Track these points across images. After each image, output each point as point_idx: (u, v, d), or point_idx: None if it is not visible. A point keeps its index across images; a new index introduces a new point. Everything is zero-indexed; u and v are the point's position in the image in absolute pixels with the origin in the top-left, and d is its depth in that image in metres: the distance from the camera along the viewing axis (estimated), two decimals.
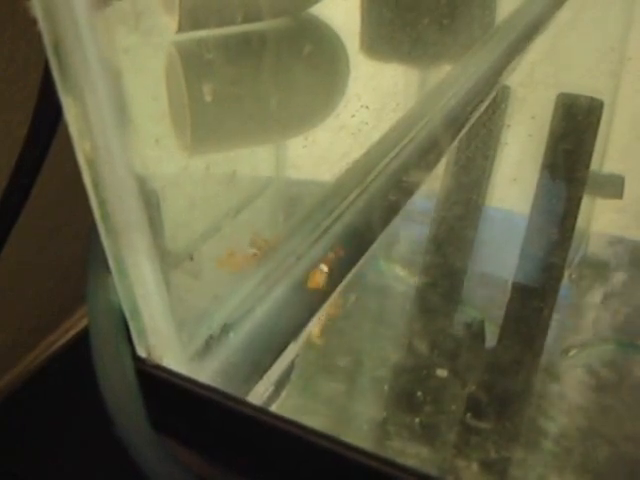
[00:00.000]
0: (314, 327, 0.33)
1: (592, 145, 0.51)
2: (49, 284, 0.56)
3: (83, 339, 0.27)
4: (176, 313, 0.27)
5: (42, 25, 0.21)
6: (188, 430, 0.28)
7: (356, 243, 0.38)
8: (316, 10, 0.44)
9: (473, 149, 0.50)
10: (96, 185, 0.23)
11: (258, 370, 0.30)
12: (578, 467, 0.31)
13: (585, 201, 0.48)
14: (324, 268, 0.34)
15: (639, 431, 0.33)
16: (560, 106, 0.54)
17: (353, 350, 0.36)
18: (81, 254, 0.28)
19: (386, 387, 0.35)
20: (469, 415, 0.32)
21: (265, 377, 0.30)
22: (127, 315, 0.26)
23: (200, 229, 0.33)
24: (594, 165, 0.51)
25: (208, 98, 0.34)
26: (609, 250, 0.45)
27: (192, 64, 0.37)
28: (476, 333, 0.37)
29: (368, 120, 0.44)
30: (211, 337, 0.30)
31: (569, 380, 0.36)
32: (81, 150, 0.23)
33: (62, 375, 0.55)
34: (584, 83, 0.56)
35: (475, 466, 0.30)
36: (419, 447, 0.31)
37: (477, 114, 0.51)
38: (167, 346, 0.27)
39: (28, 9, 0.21)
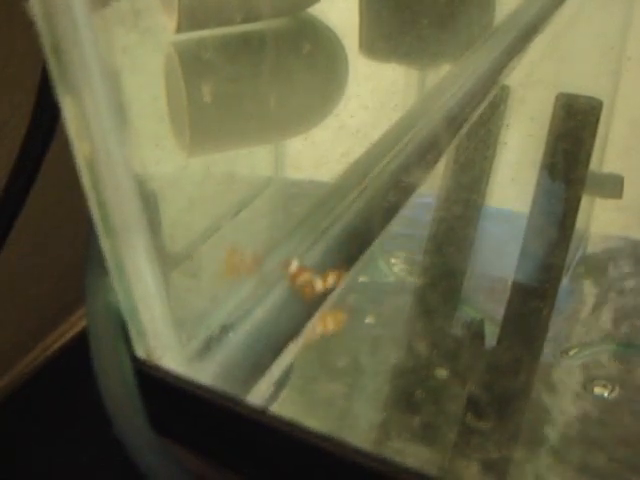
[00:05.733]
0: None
1: (591, 145, 0.51)
2: (48, 285, 0.56)
3: (82, 340, 0.27)
4: (175, 314, 0.27)
5: (40, 25, 0.21)
6: (187, 431, 0.28)
7: (355, 243, 0.38)
8: (315, 10, 0.44)
9: (472, 149, 0.50)
10: (95, 186, 0.23)
11: (257, 370, 0.30)
12: (577, 468, 0.31)
13: (584, 201, 0.48)
14: (319, 285, 0.34)
15: (638, 432, 0.33)
16: (559, 106, 0.54)
17: (352, 350, 0.36)
18: (80, 254, 0.28)
19: (386, 387, 0.35)
20: (469, 415, 0.32)
21: (264, 377, 0.30)
22: (126, 316, 0.26)
23: (199, 230, 0.33)
24: (593, 165, 0.51)
25: (207, 98, 0.34)
26: (609, 250, 0.45)
27: (191, 64, 0.37)
28: (476, 333, 0.37)
29: (367, 120, 0.44)
30: (210, 338, 0.30)
31: (568, 381, 0.36)
32: (80, 151, 0.23)
33: (61, 376, 0.55)
34: (583, 83, 0.56)
35: (475, 466, 0.30)
36: (419, 447, 0.31)
37: (476, 114, 0.50)
38: (166, 347, 0.27)
39: (26, 9, 0.21)
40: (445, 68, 0.55)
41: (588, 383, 0.35)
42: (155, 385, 0.27)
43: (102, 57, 0.21)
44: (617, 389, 0.34)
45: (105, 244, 0.25)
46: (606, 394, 0.34)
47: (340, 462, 0.24)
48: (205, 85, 0.34)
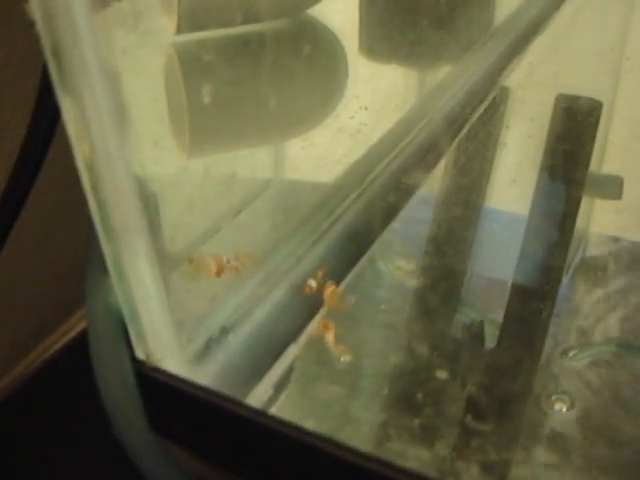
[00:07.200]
0: (329, 337, 0.33)
1: (591, 146, 0.51)
2: (48, 285, 0.56)
3: (82, 341, 0.27)
4: (175, 315, 0.27)
5: (40, 26, 0.21)
6: (187, 432, 0.28)
7: (355, 244, 0.38)
8: (315, 11, 0.44)
9: (472, 150, 0.50)
10: (95, 187, 0.23)
11: (257, 372, 0.30)
12: (577, 470, 0.31)
13: (584, 202, 0.48)
14: (312, 283, 0.34)
15: (638, 433, 0.33)
16: (559, 107, 0.54)
17: (352, 352, 0.35)
18: (80, 255, 0.28)
19: (385, 389, 0.35)
20: (469, 417, 0.32)
21: (264, 379, 0.30)
22: (126, 317, 0.26)
23: (199, 231, 0.33)
24: (593, 166, 0.51)
25: (207, 99, 0.34)
26: (608, 251, 0.45)
27: (191, 65, 0.37)
28: (475, 334, 0.37)
29: (367, 121, 0.44)
30: (210, 339, 0.30)
31: (568, 381, 0.36)
32: (80, 152, 0.23)
33: (61, 377, 0.55)
34: (583, 84, 0.56)
35: (475, 468, 0.30)
36: (418, 449, 0.31)
37: (476, 115, 0.50)
38: (166, 348, 0.27)
39: (26, 11, 0.21)
40: (445, 69, 0.55)
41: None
42: (155, 386, 0.27)
43: (102, 58, 0.21)
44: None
45: (105, 245, 0.25)
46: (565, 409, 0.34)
47: (339, 463, 0.24)
48: (205, 86, 0.34)
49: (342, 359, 0.35)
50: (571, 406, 0.33)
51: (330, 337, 0.33)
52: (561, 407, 0.34)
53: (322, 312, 0.34)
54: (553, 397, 0.34)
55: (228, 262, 0.32)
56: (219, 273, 0.31)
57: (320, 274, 0.34)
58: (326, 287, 0.34)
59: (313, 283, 0.34)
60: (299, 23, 0.45)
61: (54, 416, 0.52)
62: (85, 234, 0.26)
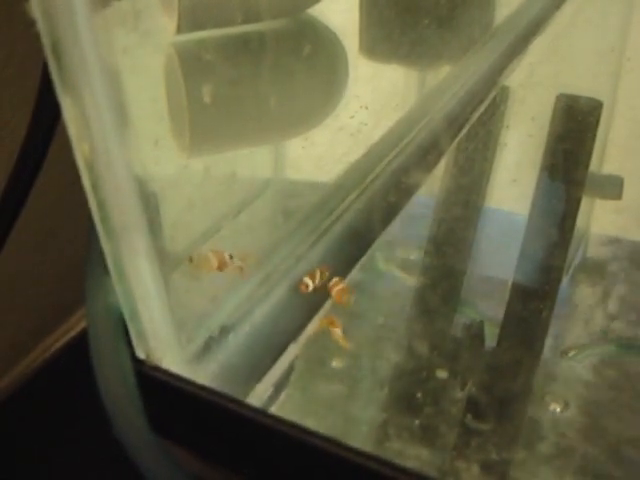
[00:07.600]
0: (337, 332, 0.33)
1: (591, 146, 0.51)
2: (48, 285, 0.56)
3: (82, 341, 0.27)
4: (175, 315, 0.27)
5: (41, 26, 0.21)
6: (187, 431, 0.28)
7: (355, 244, 0.38)
8: (315, 11, 0.44)
9: (473, 150, 0.50)
10: (95, 186, 0.23)
11: (257, 371, 0.30)
12: (578, 469, 0.31)
13: (584, 202, 0.48)
14: (308, 281, 0.34)
15: (638, 432, 0.33)
16: (559, 107, 0.54)
17: (352, 351, 0.36)
18: (80, 255, 0.28)
19: (386, 388, 0.35)
20: (469, 416, 0.32)
21: (264, 378, 0.30)
22: (126, 317, 0.26)
23: (199, 231, 0.33)
24: (593, 166, 0.51)
25: (207, 99, 0.34)
26: (608, 251, 0.45)
27: (191, 65, 0.37)
28: (475, 334, 0.37)
29: (367, 121, 0.44)
30: (210, 339, 0.30)
31: (568, 381, 0.36)
32: (80, 151, 0.23)
33: (61, 376, 0.55)
34: (583, 84, 0.56)
35: (475, 467, 0.30)
36: (419, 448, 0.31)
37: (477, 115, 0.51)
38: (166, 348, 0.27)
39: (27, 10, 0.21)
40: (445, 69, 0.55)
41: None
42: (155, 386, 0.27)
43: (102, 58, 0.22)
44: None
45: (105, 245, 0.25)
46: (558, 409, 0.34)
47: (340, 462, 0.24)
48: (205, 86, 0.34)
49: (334, 364, 0.35)
50: (566, 407, 0.33)
51: (339, 333, 0.33)
52: (555, 407, 0.34)
53: (324, 310, 0.34)
54: (548, 397, 0.34)
55: (231, 258, 0.32)
56: (221, 268, 0.31)
57: (318, 273, 0.34)
58: (334, 284, 0.34)
59: (309, 281, 0.34)
60: (299, 23, 0.45)
61: (54, 416, 0.52)
62: (85, 234, 0.26)
